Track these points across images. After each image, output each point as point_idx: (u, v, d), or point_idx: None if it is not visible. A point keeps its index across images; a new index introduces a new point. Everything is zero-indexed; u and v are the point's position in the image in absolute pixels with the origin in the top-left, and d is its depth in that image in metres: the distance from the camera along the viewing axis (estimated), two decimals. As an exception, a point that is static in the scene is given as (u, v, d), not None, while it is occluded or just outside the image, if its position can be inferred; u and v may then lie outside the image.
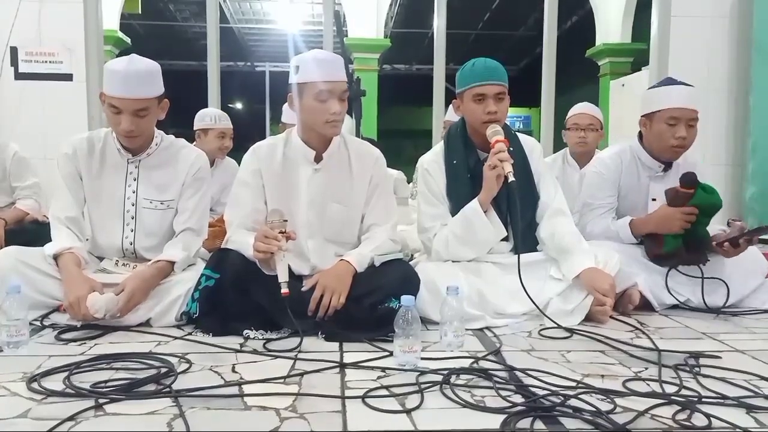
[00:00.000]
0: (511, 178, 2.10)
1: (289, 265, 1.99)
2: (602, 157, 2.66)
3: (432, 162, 2.40)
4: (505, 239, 2.34)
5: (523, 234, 2.33)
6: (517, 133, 2.46)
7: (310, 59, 2.10)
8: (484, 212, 2.22)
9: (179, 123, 3.77)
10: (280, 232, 1.93)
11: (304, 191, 2.17)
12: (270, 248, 1.90)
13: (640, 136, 2.60)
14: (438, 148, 2.45)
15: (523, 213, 2.34)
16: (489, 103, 2.25)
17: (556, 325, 2.09)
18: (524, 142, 2.43)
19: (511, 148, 2.30)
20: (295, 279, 2.15)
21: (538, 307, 2.13)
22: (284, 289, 1.87)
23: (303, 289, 2.03)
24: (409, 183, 4.06)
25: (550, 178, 2.44)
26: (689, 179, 2.35)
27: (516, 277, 2.13)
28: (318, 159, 2.19)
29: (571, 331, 2.05)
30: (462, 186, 2.30)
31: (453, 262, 2.30)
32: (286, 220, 1.98)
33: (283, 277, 1.89)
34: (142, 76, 2.07)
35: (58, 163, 2.21)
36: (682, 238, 2.39)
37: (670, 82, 2.58)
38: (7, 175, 3.25)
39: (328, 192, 2.19)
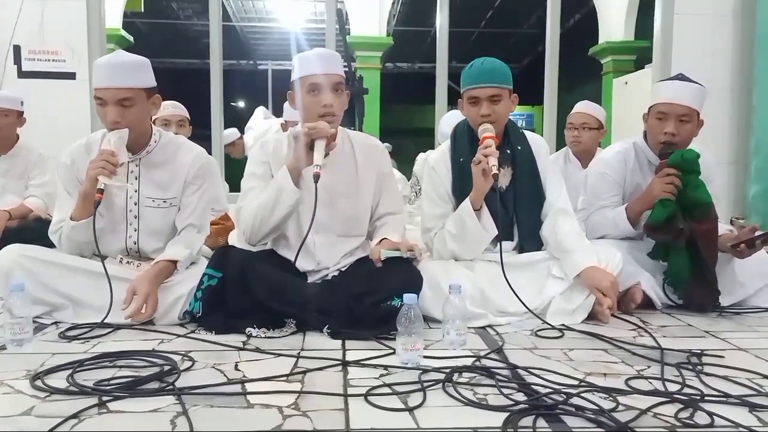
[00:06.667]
0: (494, 171, 2.08)
1: (294, 262, 2.04)
2: (605, 156, 2.62)
3: (438, 161, 2.39)
4: (509, 238, 2.34)
5: (529, 234, 2.33)
6: (524, 131, 2.45)
7: (306, 55, 2.17)
8: (479, 210, 2.21)
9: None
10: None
11: (312, 188, 2.17)
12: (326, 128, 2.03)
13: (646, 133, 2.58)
14: (445, 146, 2.44)
15: (529, 213, 2.33)
16: (482, 106, 2.24)
17: (550, 326, 2.08)
18: (532, 141, 2.40)
19: (514, 149, 2.29)
20: (300, 275, 2.15)
21: (529, 309, 2.11)
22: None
23: None
24: (408, 182, 4.04)
25: (556, 177, 2.41)
26: (665, 152, 2.37)
27: (518, 275, 2.13)
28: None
29: (563, 330, 2.04)
30: (468, 184, 2.26)
31: (455, 260, 2.29)
32: None
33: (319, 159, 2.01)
34: (125, 66, 2.07)
35: (57, 172, 2.21)
36: (678, 205, 2.29)
37: (674, 77, 2.52)
38: (26, 176, 3.33)
39: (336, 187, 2.19)
